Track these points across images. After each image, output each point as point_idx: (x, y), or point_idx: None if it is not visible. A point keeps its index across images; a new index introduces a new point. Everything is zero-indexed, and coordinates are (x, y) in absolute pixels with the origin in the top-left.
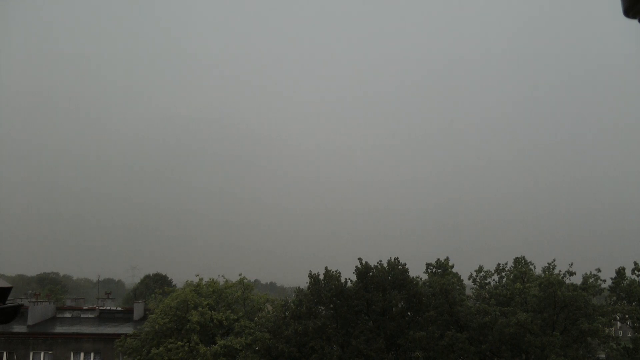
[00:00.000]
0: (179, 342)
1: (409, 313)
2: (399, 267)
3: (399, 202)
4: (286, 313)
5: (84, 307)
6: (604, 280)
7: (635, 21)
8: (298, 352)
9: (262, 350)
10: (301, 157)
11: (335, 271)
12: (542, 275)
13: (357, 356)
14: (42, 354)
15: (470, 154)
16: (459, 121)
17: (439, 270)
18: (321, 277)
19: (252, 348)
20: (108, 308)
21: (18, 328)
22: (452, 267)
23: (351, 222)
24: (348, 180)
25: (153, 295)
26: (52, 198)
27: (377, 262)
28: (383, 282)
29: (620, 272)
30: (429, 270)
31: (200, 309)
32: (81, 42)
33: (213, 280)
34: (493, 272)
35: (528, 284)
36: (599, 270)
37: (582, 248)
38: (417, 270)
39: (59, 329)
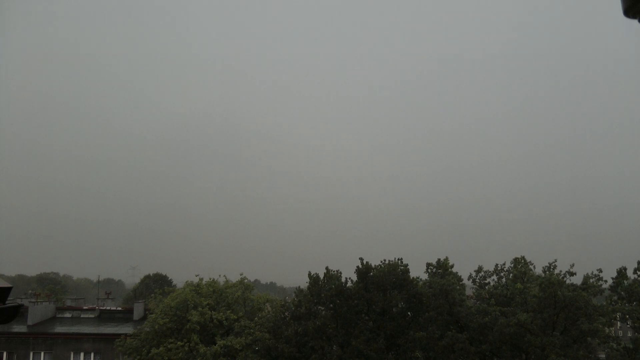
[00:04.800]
0: (179, 342)
1: (409, 313)
2: (400, 267)
3: (400, 202)
4: (285, 313)
5: (84, 307)
6: (605, 281)
7: (635, 21)
8: (298, 352)
9: (262, 351)
10: (302, 157)
11: (337, 271)
12: (543, 275)
13: (357, 356)
14: (42, 354)
15: (470, 154)
16: (459, 121)
17: (439, 271)
18: (321, 277)
19: (252, 348)
20: (108, 308)
21: (18, 328)
22: (452, 267)
23: (351, 222)
24: (348, 180)
25: (153, 295)
26: (52, 198)
27: (382, 261)
28: (383, 282)
29: (622, 272)
30: (429, 270)
31: (200, 309)
32: (83, 41)
33: (213, 280)
34: (492, 272)
35: (528, 284)
36: (600, 271)
37: (583, 248)
38: (417, 271)
39: (59, 329)
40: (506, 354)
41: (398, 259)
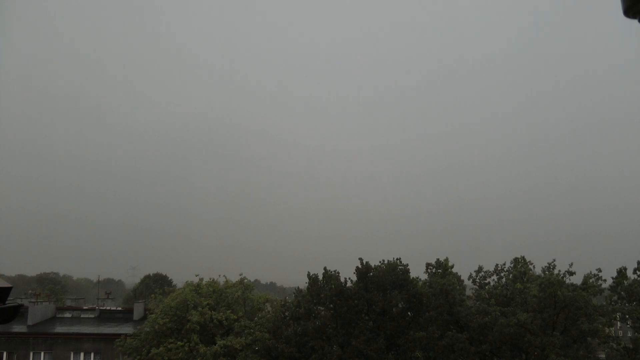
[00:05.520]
0: (179, 342)
1: (409, 313)
2: (400, 267)
3: (400, 202)
4: (285, 313)
5: (84, 307)
6: (605, 280)
7: (635, 21)
8: (298, 352)
9: (262, 351)
10: (302, 157)
11: (334, 271)
12: (542, 275)
13: (357, 356)
14: (42, 354)
15: (470, 154)
16: (460, 122)
17: (439, 271)
18: (320, 277)
19: (252, 348)
20: (108, 308)
21: (18, 328)
22: (452, 267)
23: (351, 222)
24: (348, 180)
25: (153, 295)
26: (52, 198)
27: (380, 262)
28: (383, 282)
29: (622, 272)
30: (429, 270)
31: (200, 309)
32: (82, 41)
33: (213, 280)
34: (492, 272)
35: (528, 284)
36: (600, 270)
37: (583, 248)
38: (417, 271)
39: (59, 329)
40: (506, 354)
41: (396, 259)
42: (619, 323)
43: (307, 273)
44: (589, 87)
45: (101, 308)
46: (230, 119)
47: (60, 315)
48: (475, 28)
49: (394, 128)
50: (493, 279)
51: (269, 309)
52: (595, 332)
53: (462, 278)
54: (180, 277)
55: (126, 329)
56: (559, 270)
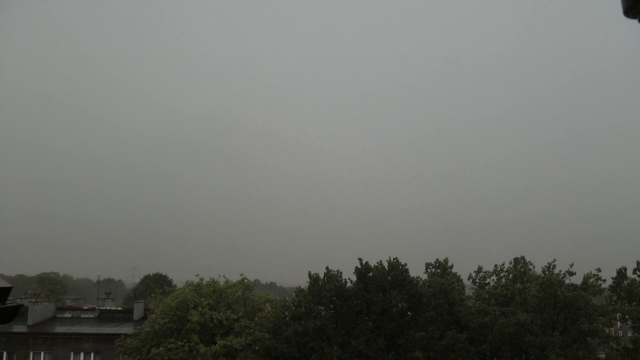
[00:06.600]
0: (179, 342)
1: (409, 313)
2: (399, 267)
3: (399, 202)
4: (285, 313)
5: (84, 307)
6: (604, 280)
7: (635, 21)
8: (298, 353)
9: (262, 351)
10: (302, 157)
11: (337, 271)
12: (542, 275)
13: (357, 356)
14: (42, 354)
15: (470, 154)
16: (459, 121)
17: (438, 271)
18: (322, 277)
19: (252, 348)
20: (108, 308)
21: (18, 328)
22: (452, 267)
23: (351, 222)
24: (348, 180)
25: (153, 295)
26: (52, 198)
27: (377, 262)
28: (383, 282)
29: (622, 272)
30: (429, 270)
31: (200, 309)
32: (83, 41)
33: (213, 280)
34: (492, 272)
35: (528, 284)
36: (599, 270)
37: (583, 248)
38: (416, 270)
39: (59, 329)
40: (506, 354)
41: (394, 259)
42: (619, 323)
43: (308, 273)
44: (589, 87)
45: (101, 308)
46: (231, 119)
47: (60, 315)
48: (477, 28)
49: (394, 128)
50: (493, 279)
51: (269, 309)
52: (595, 332)
53: (461, 278)
54: (180, 277)
55: (126, 329)
56: (559, 270)
